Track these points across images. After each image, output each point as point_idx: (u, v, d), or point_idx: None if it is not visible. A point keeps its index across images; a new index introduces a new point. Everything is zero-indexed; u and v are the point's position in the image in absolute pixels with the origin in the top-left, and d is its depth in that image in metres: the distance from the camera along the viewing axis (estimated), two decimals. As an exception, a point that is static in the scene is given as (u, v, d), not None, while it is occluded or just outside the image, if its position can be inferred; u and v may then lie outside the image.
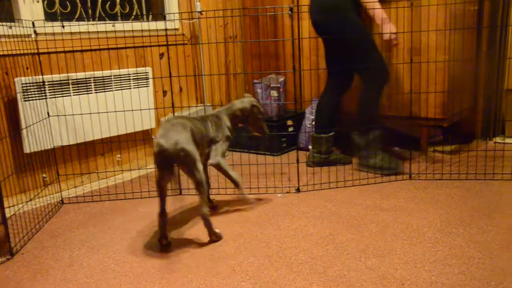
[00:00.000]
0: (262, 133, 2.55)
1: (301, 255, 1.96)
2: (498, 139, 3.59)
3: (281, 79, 3.58)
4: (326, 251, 1.98)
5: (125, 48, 3.21)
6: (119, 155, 3.30)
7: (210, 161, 2.36)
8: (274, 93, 3.53)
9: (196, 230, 2.29)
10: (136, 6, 3.43)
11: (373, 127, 2.94)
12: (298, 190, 2.76)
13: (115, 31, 3.13)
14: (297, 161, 2.83)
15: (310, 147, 3.28)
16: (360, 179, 2.88)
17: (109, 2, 3.24)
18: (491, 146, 3.44)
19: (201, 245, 2.12)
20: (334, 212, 2.41)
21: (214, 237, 2.16)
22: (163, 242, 2.14)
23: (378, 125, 2.95)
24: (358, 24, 2.90)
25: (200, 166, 2.06)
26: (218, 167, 2.36)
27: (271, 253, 2.00)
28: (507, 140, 3.54)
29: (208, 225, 2.12)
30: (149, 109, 3.23)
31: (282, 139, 3.59)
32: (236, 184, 2.41)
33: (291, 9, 2.64)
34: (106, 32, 3.11)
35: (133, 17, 3.42)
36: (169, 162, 2.02)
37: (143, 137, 3.38)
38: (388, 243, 2.03)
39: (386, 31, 2.82)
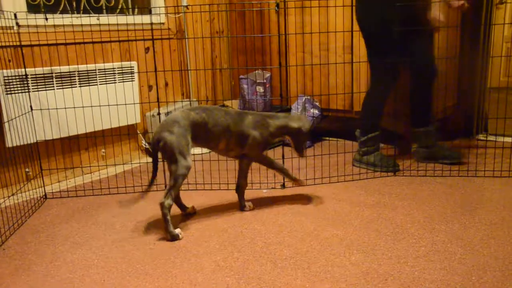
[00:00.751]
0: (299, 154, 2.47)
1: (286, 250, 1.97)
2: (481, 137, 3.64)
3: (267, 75, 3.58)
4: (311, 247, 1.99)
5: (110, 42, 3.18)
6: (103, 150, 3.27)
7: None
8: (260, 89, 3.53)
9: (181, 226, 2.28)
10: (121, 0, 3.39)
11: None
12: (283, 186, 2.76)
13: (99, 25, 3.10)
14: (283, 157, 2.83)
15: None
16: (345, 175, 2.89)
17: (93, -5, 3.21)
18: (474, 143, 3.48)
19: (186, 240, 2.12)
20: (318, 208, 2.42)
21: (168, 236, 2.12)
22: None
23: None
24: (376, 16, 2.83)
25: (179, 158, 2.10)
26: (246, 167, 2.44)
27: (256, 249, 2.00)
28: (490, 138, 3.59)
29: (165, 219, 2.12)
30: (134, 103, 3.21)
31: (268, 135, 3.58)
32: (242, 187, 2.46)
33: (277, 5, 2.64)
34: (91, 25, 3.07)
35: (118, 10, 3.38)
36: (153, 149, 2.17)
37: (128, 132, 3.35)
38: (372, 239, 2.04)
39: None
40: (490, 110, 3.69)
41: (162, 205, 2.11)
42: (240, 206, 2.46)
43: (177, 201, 2.40)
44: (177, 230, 2.16)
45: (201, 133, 2.21)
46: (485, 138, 3.59)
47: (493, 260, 1.82)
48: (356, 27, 3.35)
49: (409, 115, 3.07)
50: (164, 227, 2.14)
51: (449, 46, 3.35)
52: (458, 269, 1.76)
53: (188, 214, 2.44)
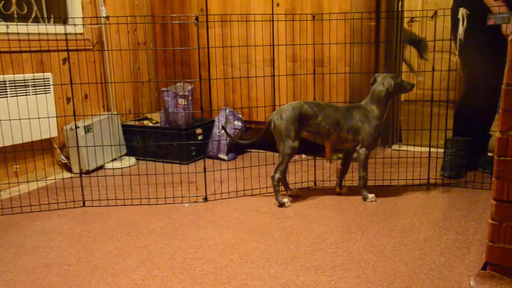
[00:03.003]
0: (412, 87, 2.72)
1: (206, 265, 1.95)
2: (395, 147, 3.83)
3: (190, 87, 3.56)
4: (231, 261, 1.99)
5: (20, 52, 3.02)
6: (16, 166, 3.09)
7: (357, 149, 2.64)
8: (182, 101, 3.50)
9: (96, 246, 2.20)
10: (35, 8, 3.24)
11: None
12: (205, 199, 2.75)
13: (7, 33, 2.93)
14: (204, 170, 2.82)
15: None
16: (267, 187, 2.93)
17: (3, 1, 3.03)
18: (389, 153, 3.66)
19: (103, 259, 2.04)
20: (240, 220, 2.43)
21: (277, 203, 2.61)
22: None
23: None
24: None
25: (286, 140, 2.53)
26: (358, 158, 2.64)
27: (175, 265, 1.97)
28: (403, 148, 3.79)
29: (274, 189, 2.62)
30: (48, 117, 3.06)
31: (192, 148, 3.56)
32: (361, 179, 2.66)
33: (196, 18, 2.64)
34: None
35: (31, 19, 3.23)
36: (266, 128, 2.62)
37: (42, 146, 3.19)
38: (291, 250, 2.08)
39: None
40: (403, 122, 3.91)
41: (272, 178, 2.60)
42: (363, 197, 2.69)
43: (284, 181, 2.76)
44: (285, 199, 2.62)
45: (311, 124, 2.57)
46: (398, 148, 3.78)
47: (403, 266, 1.91)
48: (276, 41, 3.43)
49: None
50: (275, 196, 2.62)
51: (364, 61, 3.52)
52: (372, 277, 1.83)
53: (292, 196, 2.76)
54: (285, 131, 2.52)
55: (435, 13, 2.78)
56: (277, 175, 2.58)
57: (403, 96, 4.07)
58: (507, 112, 1.59)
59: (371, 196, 2.67)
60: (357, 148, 2.64)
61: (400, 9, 3.67)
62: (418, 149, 3.70)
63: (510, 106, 1.58)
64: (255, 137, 2.73)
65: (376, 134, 2.63)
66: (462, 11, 2.76)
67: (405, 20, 3.76)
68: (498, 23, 2.50)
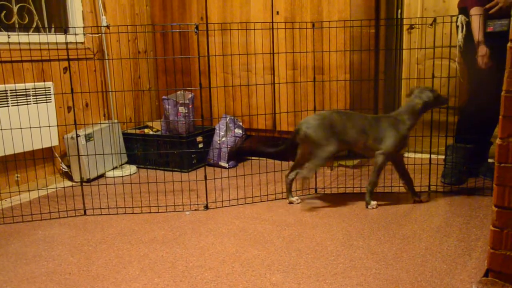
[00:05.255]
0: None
1: (207, 274, 1.95)
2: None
3: (190, 95, 3.56)
4: (232, 269, 1.99)
5: (22, 61, 3.03)
6: (17, 175, 3.09)
7: (376, 153, 2.67)
8: (183, 110, 3.51)
9: (97, 254, 2.19)
10: (36, 18, 3.26)
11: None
12: (206, 207, 2.75)
13: (9, 43, 2.95)
14: (205, 178, 2.82)
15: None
16: (268, 195, 2.93)
17: (4, 12, 3.05)
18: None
19: (104, 268, 2.04)
20: (241, 228, 2.43)
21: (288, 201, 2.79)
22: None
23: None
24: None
25: (320, 145, 2.58)
26: (374, 162, 2.68)
27: (176, 273, 1.96)
28: (404, 154, 3.78)
29: (287, 187, 2.79)
30: (49, 126, 3.07)
31: (192, 156, 3.56)
32: (370, 184, 2.69)
33: (196, 27, 2.65)
34: (0, 43, 2.92)
35: (32, 29, 3.24)
36: (293, 136, 2.70)
37: (43, 155, 3.19)
38: (292, 258, 2.07)
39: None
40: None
41: (299, 175, 2.67)
42: (366, 202, 2.70)
43: (290, 186, 2.81)
44: (373, 202, 2.67)
45: (340, 132, 2.61)
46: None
47: (405, 273, 1.90)
48: (276, 49, 3.45)
49: None
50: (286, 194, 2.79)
51: (364, 68, 3.52)
52: (373, 284, 1.82)
53: (291, 203, 2.80)
54: (318, 139, 2.59)
55: (434, 20, 2.79)
56: (303, 174, 2.63)
57: (403, 102, 4.07)
58: (507, 118, 1.59)
59: (373, 203, 2.67)
60: (376, 152, 2.65)
61: (399, 16, 3.68)
62: (418, 155, 3.70)
63: (510, 113, 1.58)
64: (282, 146, 2.78)
65: (400, 145, 2.64)
66: (461, 19, 2.77)
67: (405, 27, 3.78)
68: (497, 30, 2.52)
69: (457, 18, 2.80)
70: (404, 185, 2.79)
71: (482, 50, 2.71)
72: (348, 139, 2.64)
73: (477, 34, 2.70)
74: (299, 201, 2.81)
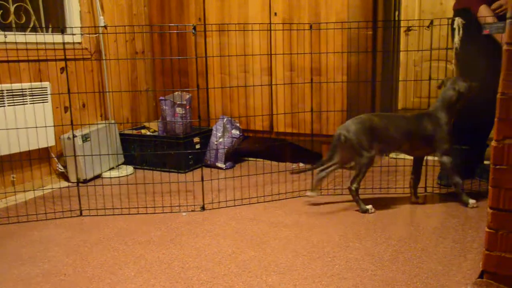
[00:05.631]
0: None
1: (203, 275, 1.95)
2: (392, 155, 3.83)
3: (187, 96, 3.56)
4: (228, 270, 1.99)
5: (18, 61, 3.03)
6: (13, 175, 3.08)
7: (440, 160, 2.67)
8: (180, 110, 3.51)
9: (94, 254, 2.19)
10: (33, 17, 3.26)
11: None
12: (203, 208, 2.74)
13: (5, 43, 2.94)
14: (202, 179, 2.82)
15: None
16: (264, 196, 2.93)
17: (1, 11, 3.04)
18: (386, 161, 3.66)
19: (100, 269, 2.03)
20: (237, 229, 2.43)
21: (360, 210, 2.62)
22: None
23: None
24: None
25: (361, 151, 2.54)
26: (444, 168, 2.69)
27: (172, 274, 1.96)
28: (400, 156, 3.79)
29: (354, 199, 2.64)
30: (45, 126, 3.06)
31: (189, 156, 3.56)
32: (455, 186, 2.66)
33: (194, 28, 2.65)
34: (-2, 43, 2.91)
35: (30, 29, 3.24)
36: (334, 143, 2.64)
37: (39, 156, 3.19)
38: (289, 260, 2.07)
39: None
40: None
41: (350, 189, 2.63)
42: (464, 204, 2.67)
43: (357, 195, 2.66)
44: (369, 206, 2.62)
45: (381, 136, 2.58)
46: (396, 157, 3.79)
47: (401, 274, 1.91)
48: (273, 50, 3.45)
49: None
50: (357, 205, 2.64)
51: (362, 70, 3.53)
52: (369, 285, 1.82)
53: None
54: (358, 144, 2.55)
55: (431, 22, 2.80)
56: (355, 185, 2.60)
57: (400, 105, 4.10)
58: (502, 121, 1.60)
59: (472, 201, 2.63)
60: (439, 158, 2.65)
61: (396, 18, 3.69)
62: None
63: (505, 115, 1.59)
64: (329, 153, 2.70)
65: (451, 139, 2.63)
66: (457, 21, 2.78)
67: (402, 29, 3.79)
68: (493, 33, 2.52)
69: (453, 20, 2.81)
70: (410, 181, 2.77)
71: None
72: (391, 142, 2.61)
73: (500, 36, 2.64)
74: (373, 210, 2.63)
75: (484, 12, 2.69)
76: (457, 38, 2.77)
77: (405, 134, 2.60)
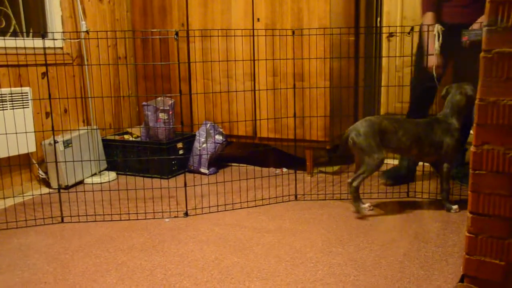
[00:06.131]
0: None
1: (185, 282, 1.94)
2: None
3: (170, 101, 3.55)
4: (211, 276, 1.98)
5: (-1, 66, 2.99)
6: (-7, 181, 3.03)
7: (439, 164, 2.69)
8: (163, 116, 3.49)
9: (79, 260, 2.16)
10: (14, 22, 3.22)
11: None
12: (186, 214, 2.73)
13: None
14: (185, 185, 2.80)
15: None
16: (248, 201, 2.92)
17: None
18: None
19: (81, 277, 2.01)
20: (221, 235, 2.42)
21: (355, 210, 2.65)
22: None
23: None
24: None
25: (370, 153, 2.54)
26: (441, 171, 2.67)
27: (155, 282, 1.94)
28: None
29: (353, 197, 2.64)
30: (26, 132, 3.02)
31: (173, 162, 3.54)
32: (444, 192, 2.69)
33: (176, 33, 2.64)
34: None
35: (10, 33, 3.20)
36: (342, 144, 2.68)
37: (19, 162, 3.14)
38: (272, 265, 2.07)
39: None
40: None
41: (350, 184, 2.63)
42: (446, 208, 2.69)
43: (356, 193, 2.65)
44: (366, 205, 2.67)
45: (391, 139, 2.59)
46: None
47: (383, 279, 1.92)
48: (256, 56, 3.45)
49: None
50: (353, 203, 2.67)
51: (344, 76, 3.56)
52: (352, 291, 1.83)
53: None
54: (367, 146, 2.56)
55: (412, 29, 2.84)
56: (356, 183, 2.61)
57: (382, 110, 4.13)
58: (481, 126, 1.62)
59: (454, 207, 2.67)
60: (444, 165, 2.66)
61: (378, 24, 3.73)
62: (397, 161, 3.73)
63: (483, 121, 1.61)
64: (339, 152, 2.78)
65: (459, 147, 2.65)
66: (437, 27, 2.82)
67: (384, 35, 3.83)
68: (472, 39, 2.57)
69: (433, 27, 2.85)
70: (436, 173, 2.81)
71: (438, 60, 2.79)
72: (401, 146, 2.62)
73: (432, 45, 2.77)
74: (371, 208, 2.72)
75: (426, 20, 2.85)
76: (437, 45, 2.81)
77: (414, 138, 2.61)
